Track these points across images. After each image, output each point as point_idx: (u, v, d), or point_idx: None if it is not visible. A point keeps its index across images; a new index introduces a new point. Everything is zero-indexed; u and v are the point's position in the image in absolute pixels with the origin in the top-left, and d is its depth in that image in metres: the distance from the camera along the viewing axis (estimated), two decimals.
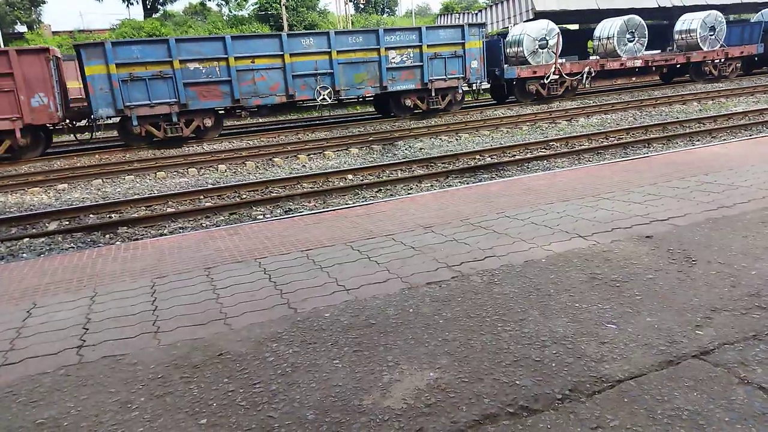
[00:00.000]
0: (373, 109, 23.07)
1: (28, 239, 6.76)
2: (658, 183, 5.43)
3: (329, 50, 16.14)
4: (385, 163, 10.27)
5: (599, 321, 2.67)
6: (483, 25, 19.05)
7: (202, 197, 8.59)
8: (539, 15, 24.53)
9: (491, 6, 31.84)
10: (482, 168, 9.15)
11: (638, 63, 21.80)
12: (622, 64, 21.50)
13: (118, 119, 15.03)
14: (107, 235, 6.87)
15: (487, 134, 13.76)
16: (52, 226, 7.54)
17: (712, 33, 22.95)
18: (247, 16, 46.17)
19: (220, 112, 16.07)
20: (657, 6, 26.78)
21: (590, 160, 9.44)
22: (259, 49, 15.50)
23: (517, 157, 9.89)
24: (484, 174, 8.86)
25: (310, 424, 2.06)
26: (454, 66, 17.96)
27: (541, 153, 10.25)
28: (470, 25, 18.21)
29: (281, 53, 15.61)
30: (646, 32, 21.77)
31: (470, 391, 2.18)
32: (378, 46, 16.73)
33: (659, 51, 24.42)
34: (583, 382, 2.17)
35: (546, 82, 19.75)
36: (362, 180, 9.11)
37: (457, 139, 13.31)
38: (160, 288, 3.65)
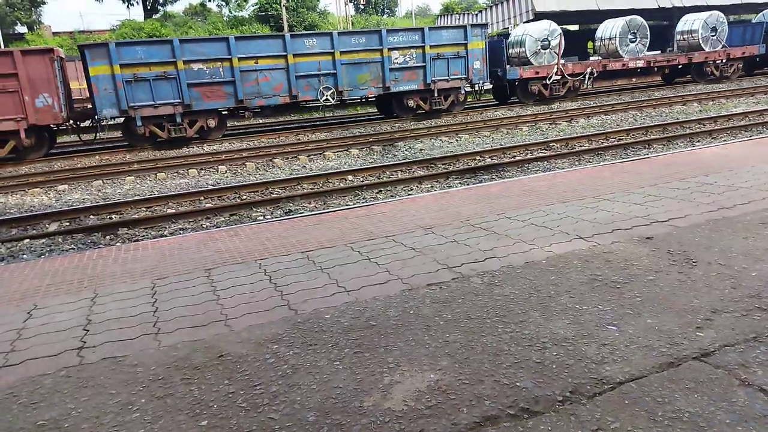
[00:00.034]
0: (374, 110, 23.10)
1: (28, 240, 6.76)
2: (658, 184, 5.43)
3: (332, 51, 16.18)
4: (385, 164, 10.27)
5: (600, 322, 2.67)
6: (485, 25, 19.09)
7: (202, 198, 8.60)
8: (539, 16, 24.56)
9: (491, 7, 31.88)
10: (482, 169, 9.15)
11: (640, 63, 21.83)
12: (624, 65, 21.52)
13: (122, 120, 15.05)
14: (108, 236, 6.87)
15: (488, 135, 13.76)
16: (53, 227, 7.55)
17: (713, 33, 22.97)
18: (247, 16, 46.19)
19: (223, 112, 16.10)
20: (657, 6, 26.81)
21: (590, 161, 9.44)
22: (263, 50, 15.54)
23: (517, 158, 9.89)
24: (485, 175, 8.86)
25: (311, 425, 2.06)
26: (457, 66, 18.00)
27: (541, 154, 10.25)
28: (473, 25, 18.25)
29: (284, 54, 15.65)
30: (648, 33, 21.79)
31: (471, 392, 2.18)
32: (381, 47, 16.77)
33: (659, 51, 24.43)
34: (584, 384, 2.17)
35: (548, 82, 19.77)
36: (362, 181, 9.11)
37: (457, 140, 13.32)
38: (161, 289, 3.65)
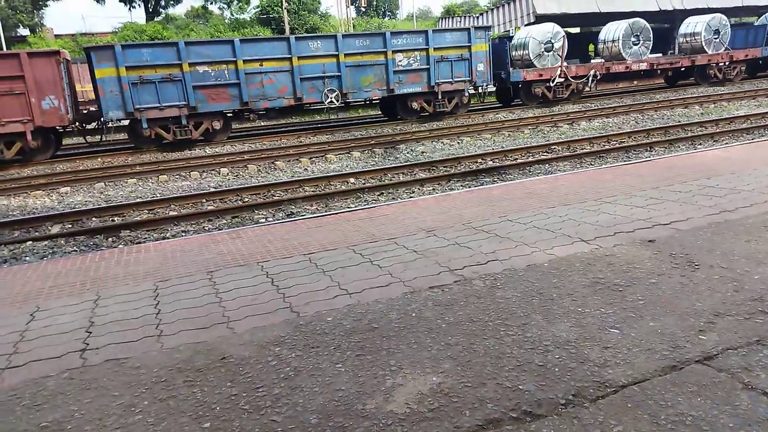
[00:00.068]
0: (375, 112, 23.12)
1: (31, 242, 6.78)
2: (660, 187, 5.43)
3: (337, 53, 16.23)
4: (387, 166, 10.28)
5: (602, 325, 2.67)
6: (489, 28, 19.12)
7: (204, 200, 8.61)
8: (540, 18, 24.57)
9: (492, 9, 31.93)
10: (484, 171, 9.16)
11: (643, 66, 21.86)
12: (627, 67, 21.54)
13: (127, 122, 15.11)
14: (110, 239, 6.88)
15: (489, 138, 13.76)
16: (55, 229, 7.56)
17: (716, 36, 23.00)
18: (248, 19, 46.30)
19: (228, 114, 16.15)
20: (658, 9, 26.81)
21: (592, 163, 9.44)
22: (268, 52, 15.59)
23: (518, 161, 9.90)
24: (486, 177, 8.87)
25: (314, 428, 2.06)
26: (461, 69, 18.04)
27: (543, 156, 10.25)
28: (476, 28, 18.29)
29: (289, 56, 15.70)
30: (651, 35, 21.81)
31: (473, 395, 2.18)
32: (385, 49, 16.82)
33: (660, 54, 24.45)
34: (587, 387, 2.17)
35: (552, 85, 19.80)
36: (364, 183, 9.12)
37: (458, 143, 13.32)
38: (163, 291, 3.66)
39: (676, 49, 27.81)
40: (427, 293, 3.24)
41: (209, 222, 7.36)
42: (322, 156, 12.38)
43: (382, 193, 8.29)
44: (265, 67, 15.56)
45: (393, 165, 10.40)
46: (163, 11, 50.43)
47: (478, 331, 2.72)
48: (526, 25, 24.36)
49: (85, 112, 15.19)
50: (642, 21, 21.62)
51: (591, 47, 26.93)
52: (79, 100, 16.47)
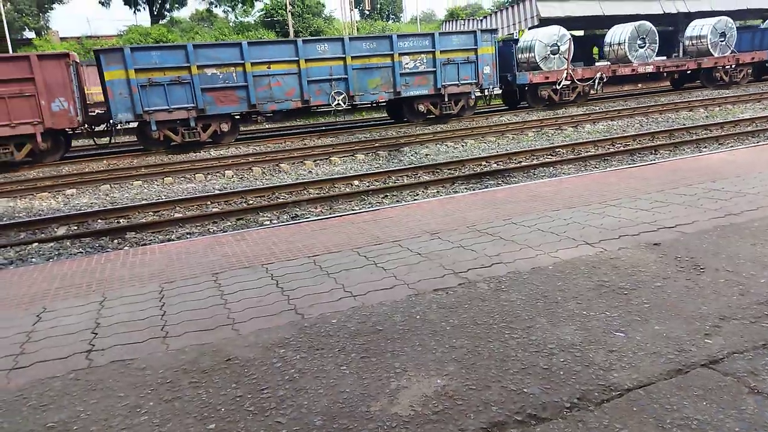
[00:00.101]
0: (380, 115, 23.14)
1: (37, 244, 6.81)
2: (665, 190, 5.42)
3: (344, 56, 16.29)
4: (391, 169, 10.28)
5: (607, 329, 2.66)
6: (495, 30, 19.17)
7: (209, 203, 8.63)
8: (544, 21, 24.56)
9: (496, 12, 31.92)
10: (488, 174, 9.16)
11: (649, 69, 21.84)
12: (633, 70, 21.53)
13: (136, 124, 15.19)
14: (115, 240, 6.91)
15: (493, 140, 13.76)
16: (61, 231, 7.59)
17: (722, 39, 22.96)
18: (253, 22, 46.44)
19: (236, 117, 16.22)
20: (662, 12, 26.77)
21: (597, 166, 9.42)
22: (275, 55, 15.66)
23: (523, 164, 9.89)
24: (490, 180, 8.86)
25: (318, 430, 2.06)
26: (467, 71, 18.08)
27: (547, 159, 10.24)
28: (483, 31, 18.36)
29: (296, 59, 15.77)
30: (657, 38, 21.80)
31: (478, 398, 2.18)
32: (392, 52, 16.87)
33: (664, 57, 24.42)
34: (592, 391, 2.16)
35: (558, 87, 19.81)
36: (368, 186, 9.12)
37: (463, 146, 13.32)
38: (169, 293, 3.67)
39: (680, 51, 27.79)
40: (432, 296, 3.24)
41: (214, 224, 7.38)
42: (326, 158, 12.40)
43: (387, 196, 8.29)
44: (272, 69, 15.63)
45: (397, 168, 10.41)
46: (168, 14, 50.68)
47: (482, 333, 2.72)
48: (530, 29, 24.36)
49: (94, 114, 15.29)
50: (648, 24, 21.60)
51: (595, 50, 26.91)
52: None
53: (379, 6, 62.39)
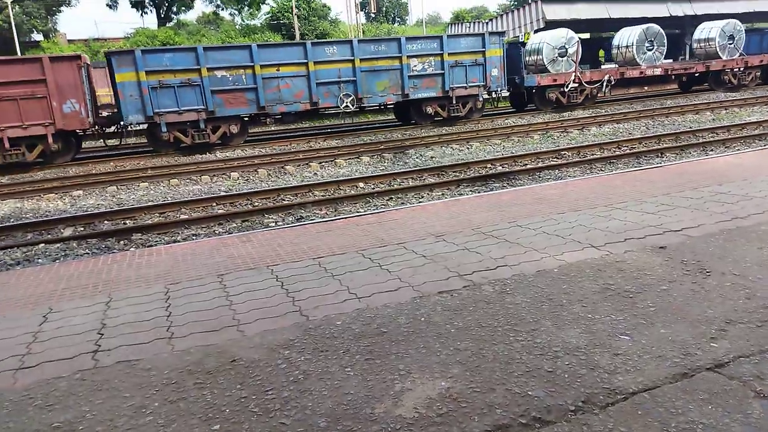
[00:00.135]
0: (384, 118, 23.16)
1: (43, 245, 6.85)
2: (671, 193, 5.40)
3: (352, 58, 16.36)
4: (396, 171, 10.29)
5: (612, 332, 2.65)
6: (503, 33, 19.21)
7: (214, 204, 8.66)
8: (550, 24, 24.53)
9: (501, 15, 31.90)
10: (493, 177, 9.15)
11: (658, 71, 21.80)
12: (641, 73, 21.49)
13: (146, 126, 15.30)
14: (122, 242, 6.94)
15: (499, 143, 13.75)
16: (68, 232, 7.63)
17: (731, 42, 22.88)
18: (259, 25, 46.60)
19: (245, 118, 16.31)
20: (669, 15, 26.68)
21: (602, 169, 9.40)
22: (284, 58, 15.76)
23: (528, 167, 9.88)
24: (496, 183, 8.85)
25: (322, 431, 2.07)
26: (475, 74, 18.11)
27: (552, 162, 10.23)
28: (491, 33, 18.41)
29: (305, 61, 15.85)
30: (665, 41, 21.75)
31: (482, 401, 2.18)
32: (400, 54, 16.93)
33: (671, 60, 24.34)
34: (597, 394, 2.16)
35: (566, 90, 19.79)
36: (373, 188, 9.13)
37: (468, 148, 13.31)
38: (174, 294, 3.69)
39: (687, 54, 27.66)
40: (436, 298, 3.24)
41: (220, 226, 7.40)
42: (331, 161, 12.42)
43: (392, 198, 8.30)
44: (281, 71, 15.73)
45: (402, 170, 10.41)
46: (175, 17, 50.90)
47: (487, 336, 2.72)
48: (535, 31, 24.34)
49: (104, 115, 15.42)
50: (656, 27, 21.56)
51: (601, 53, 26.83)
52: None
53: (384, 9, 62.50)
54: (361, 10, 43.50)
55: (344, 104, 16.50)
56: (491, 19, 34.04)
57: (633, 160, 10.02)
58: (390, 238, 4.67)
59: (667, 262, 3.51)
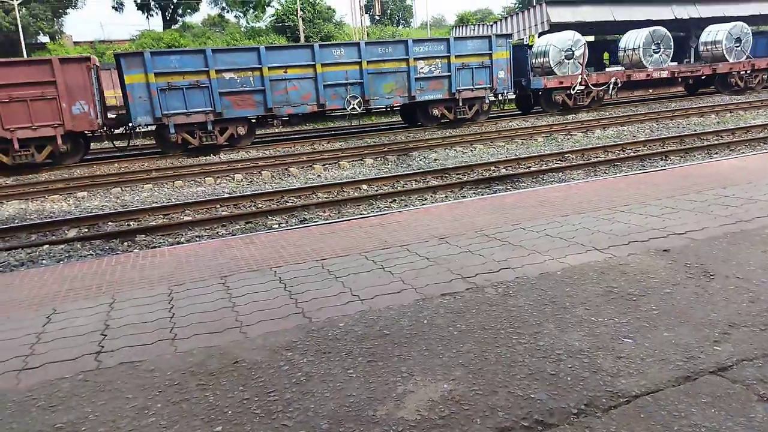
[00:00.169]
0: (388, 120, 23.19)
1: (47, 246, 6.88)
2: (675, 196, 5.39)
3: (359, 60, 16.41)
4: (399, 173, 10.30)
5: (615, 335, 2.65)
6: (510, 35, 19.22)
7: (218, 206, 8.68)
8: (554, 26, 24.52)
9: (506, 18, 31.92)
10: (497, 179, 9.14)
11: (664, 74, 21.77)
12: (648, 75, 21.47)
13: (154, 127, 15.38)
14: (125, 243, 6.96)
15: (502, 145, 13.74)
16: (72, 233, 7.66)
17: (738, 44, 22.83)
18: (264, 27, 46.74)
19: (252, 120, 16.37)
20: (673, 18, 26.64)
21: (606, 172, 9.38)
22: (292, 60, 15.83)
23: (532, 169, 9.86)
24: (499, 185, 8.84)
25: None
26: (482, 76, 18.15)
27: (556, 165, 10.21)
28: (497, 36, 18.43)
29: (313, 63, 15.92)
30: (672, 44, 21.73)
31: (485, 403, 2.17)
32: (407, 57, 16.98)
33: (675, 63, 24.29)
34: (599, 397, 2.15)
35: (572, 92, 19.78)
36: (377, 190, 9.14)
37: (471, 151, 13.31)
38: (177, 295, 3.70)
39: (692, 57, 27.61)
40: (439, 300, 3.24)
41: (223, 227, 7.42)
42: (335, 163, 12.43)
43: (395, 200, 8.30)
44: (289, 74, 15.79)
45: (406, 172, 10.42)
46: (180, 19, 51.11)
47: (489, 338, 2.72)
48: (540, 34, 24.33)
49: (112, 117, 15.51)
50: (663, 29, 21.53)
51: (606, 55, 26.80)
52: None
53: (389, 11, 62.59)
54: (366, 13, 43.59)
55: (351, 106, 16.55)
56: (495, 22, 34.07)
57: (637, 162, 10.00)
58: (393, 240, 4.68)
59: (671, 266, 3.50)
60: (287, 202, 8.78)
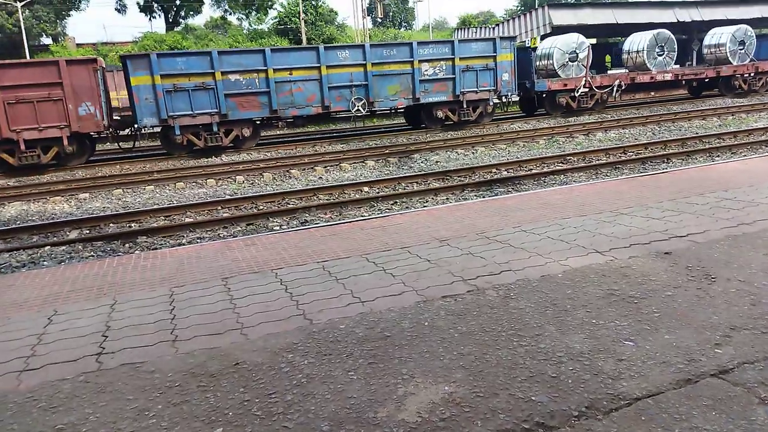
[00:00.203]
0: (390, 122, 23.21)
1: (49, 247, 6.89)
2: (677, 199, 5.38)
3: (364, 62, 16.47)
4: (401, 175, 10.30)
5: (616, 338, 2.64)
6: (514, 38, 19.24)
7: (219, 208, 8.69)
8: (556, 29, 24.55)
9: (508, 20, 31.96)
10: (498, 182, 9.14)
11: (668, 76, 21.80)
12: (652, 78, 21.49)
13: (160, 128, 15.42)
14: (127, 244, 6.97)
15: (504, 148, 13.74)
16: (73, 234, 7.67)
17: (741, 47, 22.83)
18: (266, 30, 46.81)
19: (257, 122, 16.41)
20: (676, 21, 26.65)
21: (608, 174, 9.38)
22: (297, 62, 15.89)
23: (533, 171, 9.87)
24: (500, 188, 8.84)
25: None
26: (486, 78, 18.19)
27: (558, 167, 10.20)
28: (502, 38, 18.47)
29: (318, 65, 15.97)
30: (676, 46, 21.74)
31: (485, 406, 2.17)
32: (411, 59, 17.02)
33: (677, 66, 24.29)
34: (600, 400, 2.15)
35: (576, 95, 19.80)
36: (378, 192, 9.15)
37: (473, 153, 13.32)
38: (179, 297, 3.70)
39: (694, 60, 27.59)
40: (440, 302, 3.24)
41: (224, 229, 7.43)
42: (336, 165, 12.44)
43: (396, 202, 8.30)
44: (294, 75, 15.85)
45: (407, 174, 10.43)
46: (183, 21, 51.21)
47: (490, 341, 2.71)
48: (542, 36, 24.35)
49: (118, 118, 15.56)
50: (667, 32, 21.56)
51: (608, 58, 26.82)
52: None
53: (391, 14, 62.67)
54: (368, 15, 43.63)
55: (356, 108, 16.60)
56: (498, 24, 34.10)
57: (639, 165, 9.99)
58: (394, 242, 4.68)
59: (672, 268, 3.49)
60: (289, 203, 8.78)
